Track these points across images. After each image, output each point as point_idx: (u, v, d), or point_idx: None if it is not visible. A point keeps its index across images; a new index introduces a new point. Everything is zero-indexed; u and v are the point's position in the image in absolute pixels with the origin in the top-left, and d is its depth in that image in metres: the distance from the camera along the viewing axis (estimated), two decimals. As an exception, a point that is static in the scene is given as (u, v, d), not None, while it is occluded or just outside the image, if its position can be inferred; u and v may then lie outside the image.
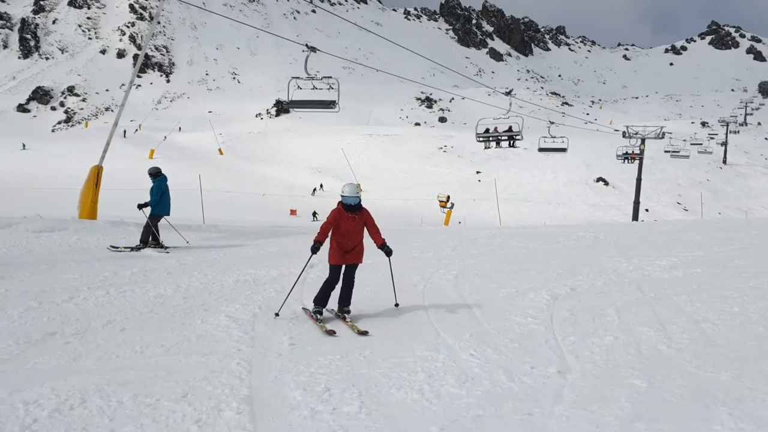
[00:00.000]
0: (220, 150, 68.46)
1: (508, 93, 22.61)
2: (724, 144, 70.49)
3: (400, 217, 38.82)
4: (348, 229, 7.21)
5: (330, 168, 62.36)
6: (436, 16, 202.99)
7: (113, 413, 4.18)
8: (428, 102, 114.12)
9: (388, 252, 7.54)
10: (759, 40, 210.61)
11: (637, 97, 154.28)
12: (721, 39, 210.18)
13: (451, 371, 5.11)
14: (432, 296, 8.23)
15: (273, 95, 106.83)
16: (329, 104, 15.06)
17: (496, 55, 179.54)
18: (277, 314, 7.07)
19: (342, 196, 7.25)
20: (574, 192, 58.68)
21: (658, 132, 47.14)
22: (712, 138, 72.86)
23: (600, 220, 46.14)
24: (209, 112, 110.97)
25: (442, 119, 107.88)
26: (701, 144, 64.03)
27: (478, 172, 64.32)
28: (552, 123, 30.20)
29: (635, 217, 39.09)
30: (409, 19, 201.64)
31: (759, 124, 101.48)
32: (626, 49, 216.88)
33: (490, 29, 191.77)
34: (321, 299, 7.31)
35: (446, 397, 4.55)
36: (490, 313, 7.17)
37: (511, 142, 26.48)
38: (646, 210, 48.14)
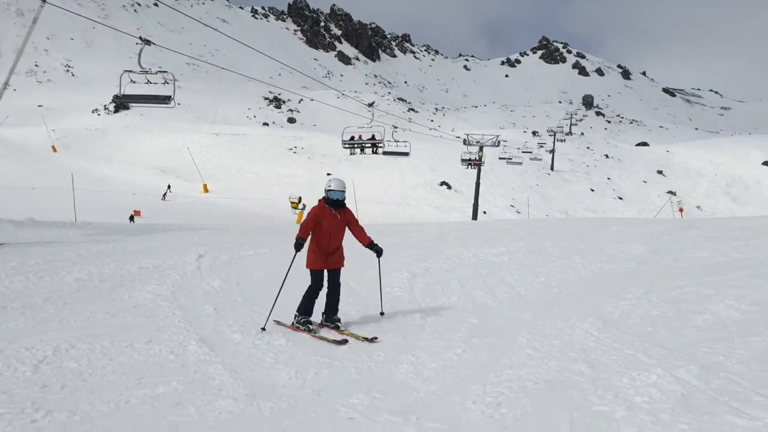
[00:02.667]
0: (53, 147, 64.76)
1: (371, 105, 25.14)
2: (552, 152, 78.03)
3: (250, 217, 39.96)
4: (331, 227, 7.01)
5: (174, 168, 61.45)
6: (284, 17, 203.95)
7: (102, 351, 5.75)
8: (277, 102, 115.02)
9: (379, 251, 7.39)
10: (583, 56, 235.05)
11: (476, 106, 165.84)
12: (551, 54, 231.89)
13: (349, 322, 7.19)
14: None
15: (111, 90, 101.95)
16: (164, 99, 14.72)
17: (344, 59, 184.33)
18: (263, 329, 6.75)
19: (328, 190, 7.10)
20: (420, 194, 62.74)
21: (494, 140, 52.47)
22: (541, 146, 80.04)
23: (444, 220, 50.21)
24: (39, 106, 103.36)
25: (291, 120, 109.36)
26: (532, 152, 70.64)
27: (328, 174, 66.70)
28: (396, 128, 32.84)
29: (474, 217, 43.40)
30: (256, 18, 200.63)
31: (582, 134, 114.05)
32: (467, 60, 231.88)
33: (339, 32, 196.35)
34: (306, 308, 7.06)
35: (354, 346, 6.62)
36: (365, 286, 9.29)
37: (375, 149, 29.09)
38: (484, 212, 52.75)
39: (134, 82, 14.65)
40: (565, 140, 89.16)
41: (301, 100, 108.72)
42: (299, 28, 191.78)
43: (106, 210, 34.66)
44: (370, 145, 29.00)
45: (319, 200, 7.16)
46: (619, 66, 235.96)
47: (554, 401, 4.49)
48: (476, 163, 47.50)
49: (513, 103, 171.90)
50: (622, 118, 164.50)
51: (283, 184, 59.98)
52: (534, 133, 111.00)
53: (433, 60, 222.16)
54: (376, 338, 6.49)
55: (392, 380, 5.17)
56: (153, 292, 8.40)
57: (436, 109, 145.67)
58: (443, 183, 65.44)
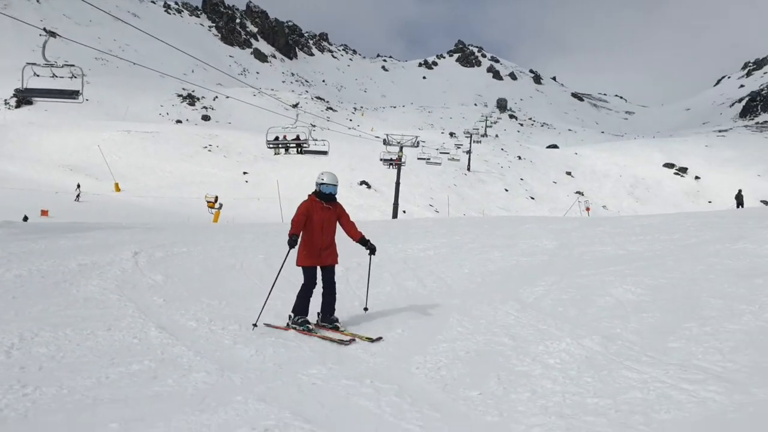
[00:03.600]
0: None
1: (295, 106, 25.69)
2: (469, 153, 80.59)
3: (166, 217, 39.45)
4: (323, 220, 6.90)
5: (84, 166, 59.36)
6: (198, 12, 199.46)
7: (67, 338, 6.18)
8: (190, 99, 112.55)
9: (372, 248, 7.30)
10: (497, 61, 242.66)
11: (395, 107, 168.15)
12: (467, 57, 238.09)
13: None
14: (250, 272, 10.81)
15: (13, 84, 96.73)
16: (71, 94, 14.19)
17: (260, 56, 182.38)
18: (255, 325, 6.79)
19: (320, 183, 7.02)
20: (340, 194, 63.08)
21: (414, 141, 53.82)
22: (458, 147, 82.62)
23: (364, 219, 51.07)
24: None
25: (206, 117, 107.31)
26: (449, 153, 72.63)
27: (245, 173, 66.23)
28: (314, 126, 33.42)
29: (395, 216, 44.54)
30: (169, 13, 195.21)
31: (497, 136, 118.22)
32: (384, 61, 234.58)
33: (255, 30, 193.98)
34: (301, 308, 6.94)
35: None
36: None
37: (300, 149, 29.55)
38: (404, 211, 54.08)
39: (38, 76, 14.01)
40: (481, 141, 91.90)
41: (216, 97, 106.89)
42: (214, 24, 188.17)
43: (3, 208, 33.45)
44: (295, 145, 29.49)
45: (309, 195, 7.07)
46: (531, 71, 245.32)
47: (483, 365, 5.38)
48: (397, 164, 48.63)
49: (430, 105, 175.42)
50: (534, 121, 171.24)
51: (199, 183, 59.13)
52: (451, 134, 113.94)
53: (351, 59, 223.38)
54: (380, 338, 6.40)
55: (344, 355, 5.92)
56: (99, 286, 8.75)
57: (355, 108, 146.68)
58: (363, 182, 66.28)
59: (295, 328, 6.82)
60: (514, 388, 4.79)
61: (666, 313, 6.84)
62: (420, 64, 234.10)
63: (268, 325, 6.95)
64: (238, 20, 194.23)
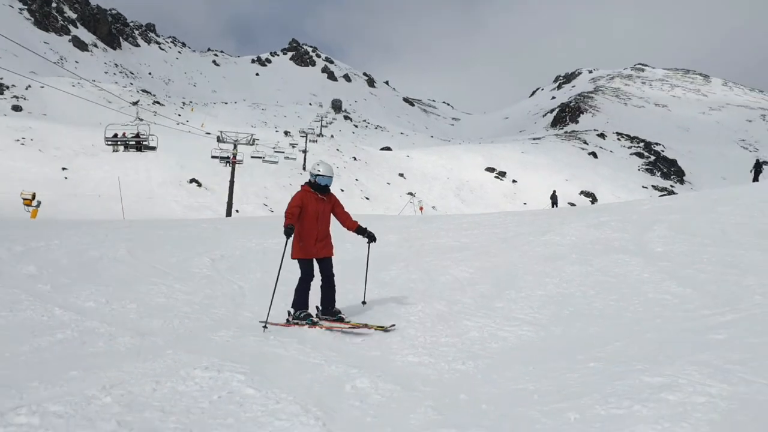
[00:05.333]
0: None
1: (135, 103, 25.59)
2: (305, 152, 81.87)
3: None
4: (317, 211, 6.91)
5: None
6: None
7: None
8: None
9: (371, 236, 7.33)
10: (332, 62, 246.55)
11: (226, 103, 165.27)
12: (301, 57, 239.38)
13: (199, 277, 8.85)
14: (117, 262, 11.49)
15: None
16: None
17: (80, 44, 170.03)
18: (265, 326, 6.67)
19: (316, 175, 7.03)
20: (168, 192, 61.77)
21: (249, 139, 54.23)
22: (294, 146, 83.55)
23: (195, 218, 50.49)
24: None
25: (17, 108, 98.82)
26: (284, 152, 73.18)
27: (64, 169, 62.46)
28: (141, 120, 33.17)
29: (228, 215, 44.84)
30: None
31: (332, 136, 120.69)
32: (216, 55, 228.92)
33: (74, 16, 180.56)
34: (302, 302, 6.96)
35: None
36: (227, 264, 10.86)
37: (140, 146, 29.21)
38: (237, 210, 54.11)
39: None
40: (316, 141, 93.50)
41: (29, 86, 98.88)
42: (26, 6, 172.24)
43: None
44: (135, 143, 29.22)
45: (302, 185, 7.11)
46: (365, 74, 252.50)
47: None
48: (234, 162, 48.86)
49: (264, 102, 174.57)
50: (368, 123, 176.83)
51: (12, 179, 54.98)
52: (286, 132, 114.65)
53: (180, 52, 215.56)
54: (393, 326, 6.56)
55: (239, 323, 7.16)
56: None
57: (184, 103, 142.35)
58: (193, 180, 65.16)
59: (297, 323, 6.83)
60: (388, 336, 6.37)
61: (492, 286, 8.83)
62: (253, 61, 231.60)
63: (264, 324, 6.78)
64: (54, 4, 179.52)
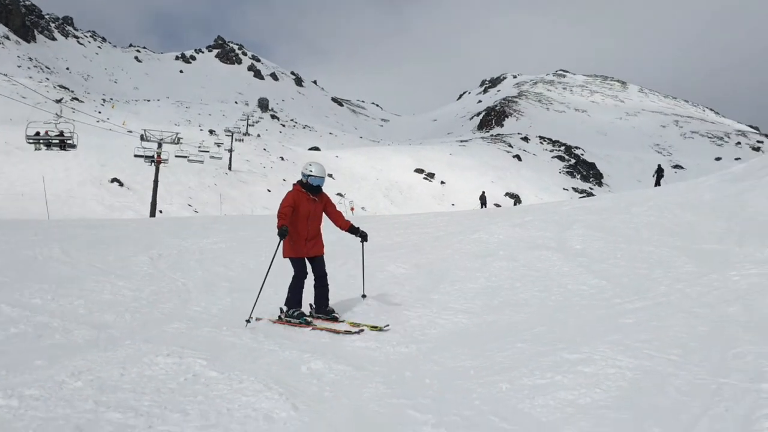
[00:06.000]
0: None
1: (59, 101, 25.03)
2: (230, 152, 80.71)
3: None
4: (308, 211, 7.00)
5: None
6: None
7: None
8: None
9: (364, 235, 7.53)
10: (258, 60, 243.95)
11: (149, 100, 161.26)
12: (227, 54, 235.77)
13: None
14: (54, 262, 11.52)
15: None
16: None
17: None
18: (248, 321, 6.81)
19: (307, 175, 7.07)
20: (89, 191, 60.01)
21: (174, 137, 53.34)
22: (219, 146, 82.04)
23: (118, 218, 49.36)
24: None
25: None
26: (208, 151, 71.66)
27: (-7, 166, 59.66)
28: (60, 117, 32.13)
29: (152, 215, 44.10)
30: None
31: (259, 135, 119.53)
32: (138, 51, 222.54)
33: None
34: (295, 300, 7.02)
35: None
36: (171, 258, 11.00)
37: (63, 145, 28.45)
38: (161, 211, 53.02)
39: None
40: (243, 140, 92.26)
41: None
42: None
43: None
44: (58, 141, 28.52)
45: (294, 184, 7.18)
46: (293, 73, 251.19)
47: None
48: (159, 161, 47.99)
49: (188, 100, 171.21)
50: (296, 122, 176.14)
51: None
52: (211, 131, 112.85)
53: (99, 47, 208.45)
54: (387, 326, 6.65)
55: (189, 316, 7.50)
56: None
57: (104, 100, 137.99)
58: (115, 180, 63.53)
59: (289, 322, 6.90)
60: (335, 325, 6.90)
61: (428, 280, 9.49)
62: (177, 57, 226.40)
63: (259, 319, 6.97)
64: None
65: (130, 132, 64.05)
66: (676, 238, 11.45)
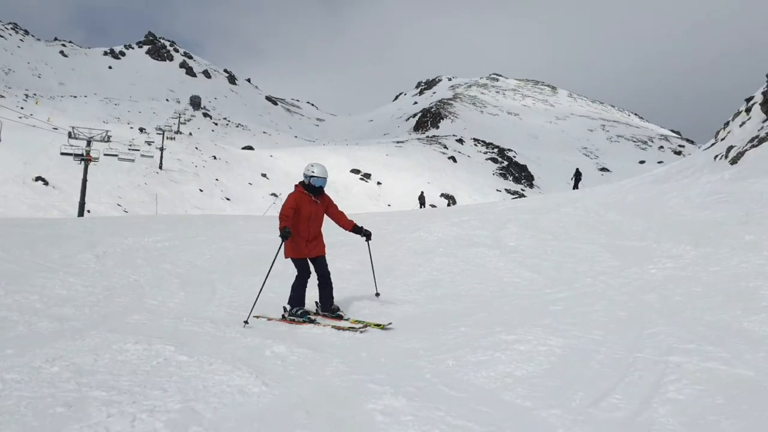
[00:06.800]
0: None
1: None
2: (161, 150, 79.00)
3: None
4: (310, 213, 7.06)
5: None
6: None
7: None
8: None
9: (368, 234, 7.58)
10: (191, 57, 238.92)
11: (75, 96, 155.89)
12: (158, 50, 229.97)
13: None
14: (19, 262, 11.50)
15: None
16: None
17: None
18: (246, 322, 6.79)
19: (310, 176, 7.08)
20: (11, 190, 57.96)
21: (104, 135, 52.20)
22: (149, 144, 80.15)
23: (43, 218, 47.95)
24: None
25: None
26: (139, 149, 69.99)
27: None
28: None
29: (81, 215, 43.18)
30: None
31: (191, 134, 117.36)
32: (64, 45, 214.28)
33: None
34: (298, 299, 7.10)
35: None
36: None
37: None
38: (89, 211, 51.73)
39: None
40: (174, 138, 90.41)
41: None
42: None
43: None
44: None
45: (296, 186, 7.23)
46: (226, 70, 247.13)
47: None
48: (89, 160, 46.92)
49: (117, 97, 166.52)
50: (229, 121, 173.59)
51: None
52: (141, 129, 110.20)
53: (21, 40, 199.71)
54: (390, 324, 6.70)
55: (147, 309, 7.82)
56: None
57: (27, 95, 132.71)
58: (39, 178, 61.52)
59: (293, 320, 6.98)
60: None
61: (372, 275, 10.04)
62: (105, 53, 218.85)
63: (245, 322, 6.85)
64: None
65: (56, 129, 61.94)
66: (601, 235, 12.41)
